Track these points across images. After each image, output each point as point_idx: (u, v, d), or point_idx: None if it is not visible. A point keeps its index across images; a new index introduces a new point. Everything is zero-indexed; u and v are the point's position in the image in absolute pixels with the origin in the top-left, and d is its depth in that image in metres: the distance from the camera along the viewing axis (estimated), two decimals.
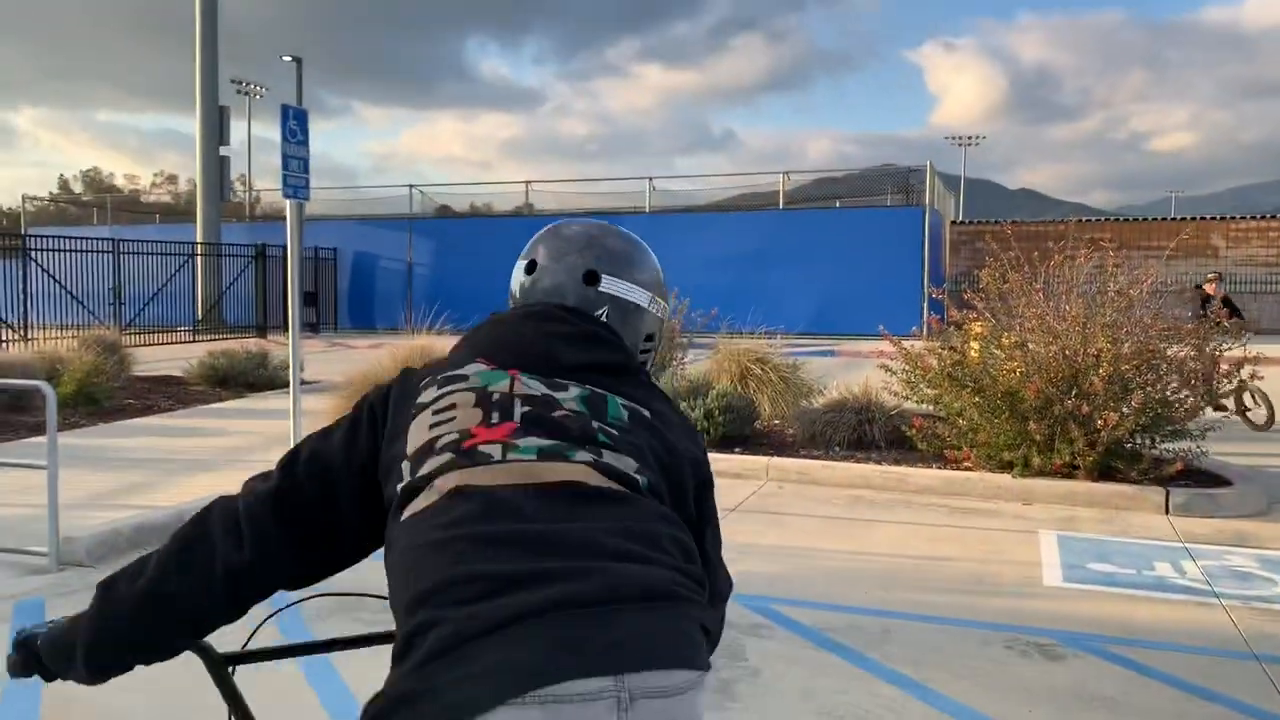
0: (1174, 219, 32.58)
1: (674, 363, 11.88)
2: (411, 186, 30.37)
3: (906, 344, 8.52)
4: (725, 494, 7.48)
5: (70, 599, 4.95)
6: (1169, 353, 7.44)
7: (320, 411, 9.46)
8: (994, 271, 8.25)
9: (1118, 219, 32.54)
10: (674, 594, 1.25)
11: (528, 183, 30.44)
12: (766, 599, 5.02)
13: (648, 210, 28.03)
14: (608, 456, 1.39)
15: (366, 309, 29.15)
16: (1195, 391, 7.42)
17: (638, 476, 1.39)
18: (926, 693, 3.89)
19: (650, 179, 28.70)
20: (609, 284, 1.67)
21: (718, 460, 8.23)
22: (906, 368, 8.33)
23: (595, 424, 1.45)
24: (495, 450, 1.38)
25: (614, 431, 1.44)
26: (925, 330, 8.88)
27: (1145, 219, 31.06)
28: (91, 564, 5.47)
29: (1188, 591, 5.28)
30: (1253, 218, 29.09)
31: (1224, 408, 9.20)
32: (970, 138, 64.70)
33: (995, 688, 3.96)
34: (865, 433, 8.74)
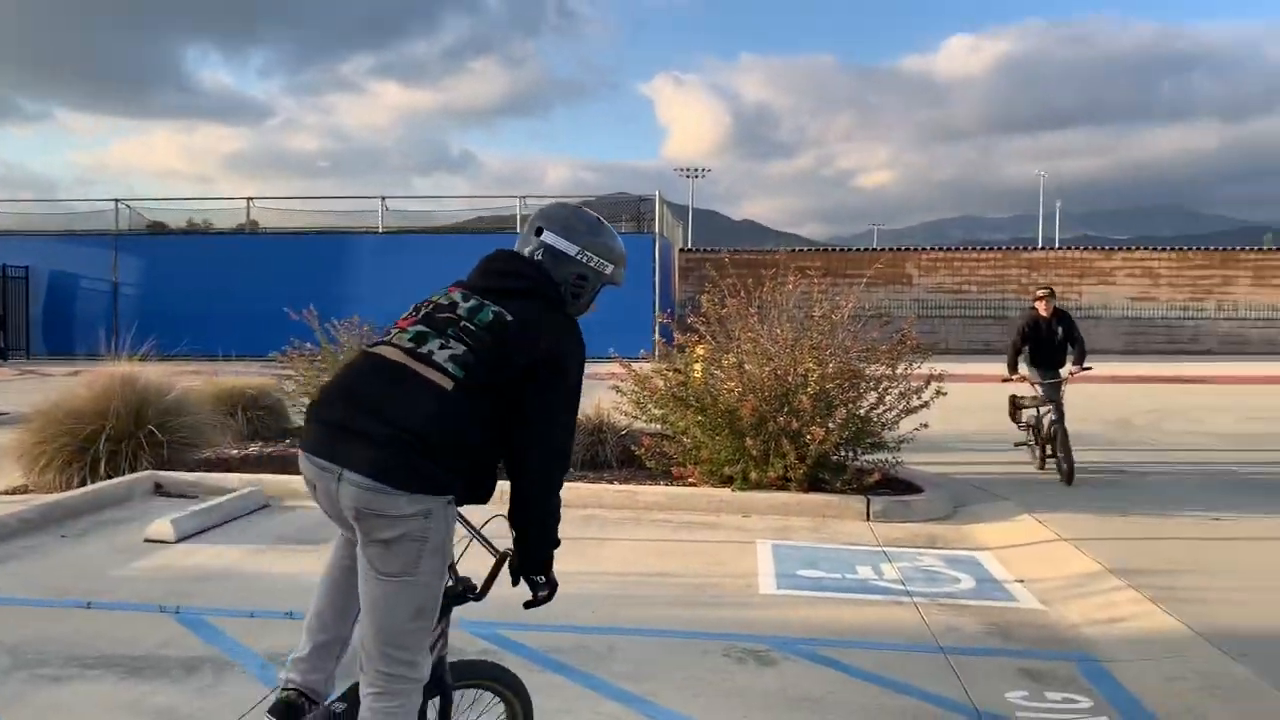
0: (875, 249, 35.60)
1: None
2: (118, 201, 28.04)
3: (635, 366, 8.78)
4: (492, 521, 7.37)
5: None
6: (867, 371, 8.09)
7: (3, 447, 8.50)
8: (713, 297, 8.67)
9: (827, 249, 35.17)
10: (381, 439, 2.45)
11: (249, 199, 28.87)
12: (494, 624, 4.97)
13: (380, 230, 27.35)
14: (437, 345, 2.56)
15: (64, 333, 26.55)
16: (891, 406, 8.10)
17: (448, 364, 2.52)
18: (647, 705, 4.00)
19: (383, 198, 28.02)
20: (546, 236, 2.80)
21: None
22: (635, 389, 8.58)
23: (462, 323, 2.60)
24: (394, 333, 2.65)
25: (471, 328, 2.59)
26: (654, 353, 9.18)
27: (850, 249, 33.78)
28: None
29: (886, 592, 5.73)
30: (941, 249, 32.36)
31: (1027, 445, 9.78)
32: (697, 170, 67.78)
33: (712, 696, 4.13)
34: (599, 453, 8.91)
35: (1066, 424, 9.07)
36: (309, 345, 11.76)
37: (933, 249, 32.18)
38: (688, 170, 66.06)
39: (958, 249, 32.61)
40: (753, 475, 7.83)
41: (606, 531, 7.16)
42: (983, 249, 32.39)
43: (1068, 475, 8.74)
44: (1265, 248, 33.75)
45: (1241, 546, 6.61)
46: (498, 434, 2.59)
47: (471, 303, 2.65)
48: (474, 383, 2.50)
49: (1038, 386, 9.58)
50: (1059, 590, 5.73)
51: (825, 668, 4.47)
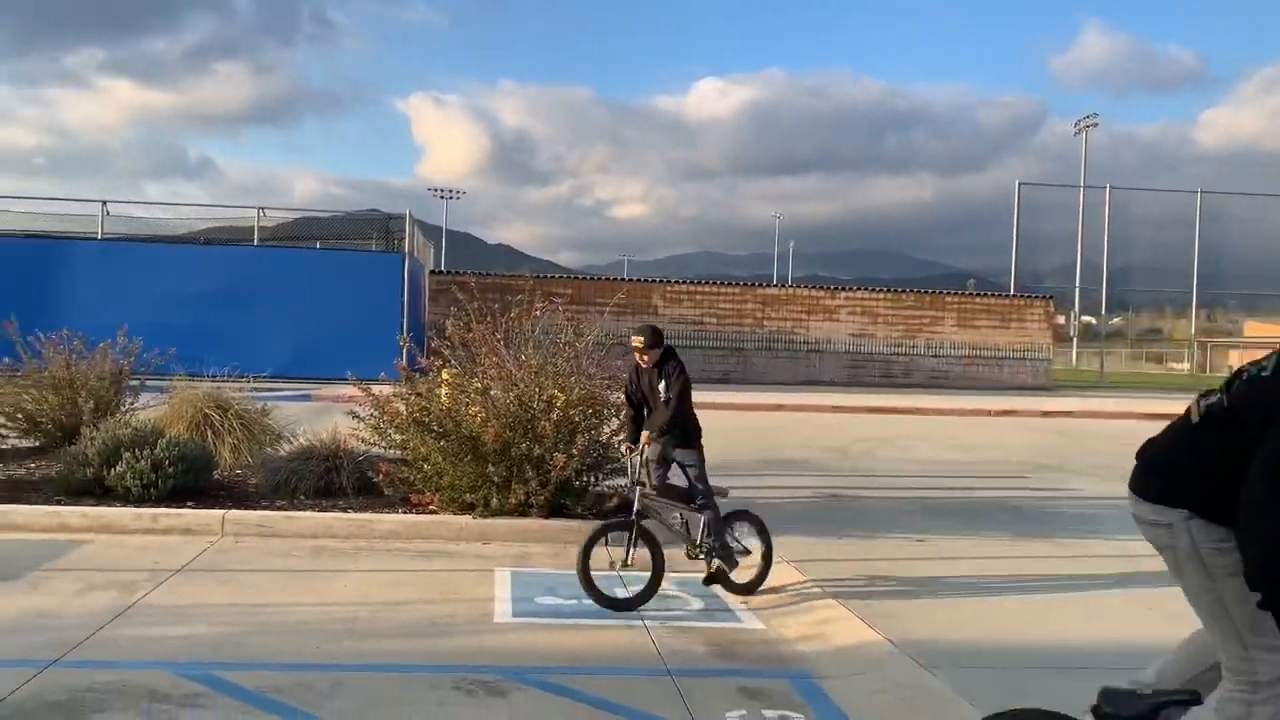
0: (624, 279, 36.51)
1: (122, 408, 10.73)
2: None
3: (375, 389, 8.52)
4: (174, 552, 6.89)
5: None
6: (611, 398, 8.25)
7: None
8: (459, 320, 8.57)
9: (578, 277, 35.74)
10: None
11: None
12: (208, 664, 4.66)
13: (100, 237, 25.18)
14: None
15: None
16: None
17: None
18: None
19: (104, 203, 25.82)
20: None
21: (167, 515, 7.54)
22: (375, 413, 8.33)
23: None
24: None
25: None
26: (399, 376, 8.95)
27: (600, 278, 34.47)
28: None
29: (618, 617, 5.83)
30: (685, 282, 33.65)
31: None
32: (452, 191, 67.16)
33: None
34: (333, 480, 8.55)
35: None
36: (8, 360, 10.64)
37: (677, 281, 33.42)
38: (442, 191, 65.40)
39: (700, 282, 34.00)
40: (494, 502, 7.78)
41: (338, 563, 6.89)
42: (723, 283, 33.93)
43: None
44: (967, 292, 37.39)
45: (941, 565, 7.24)
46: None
47: None
48: None
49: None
50: (779, 610, 6.05)
51: (556, 696, 4.48)
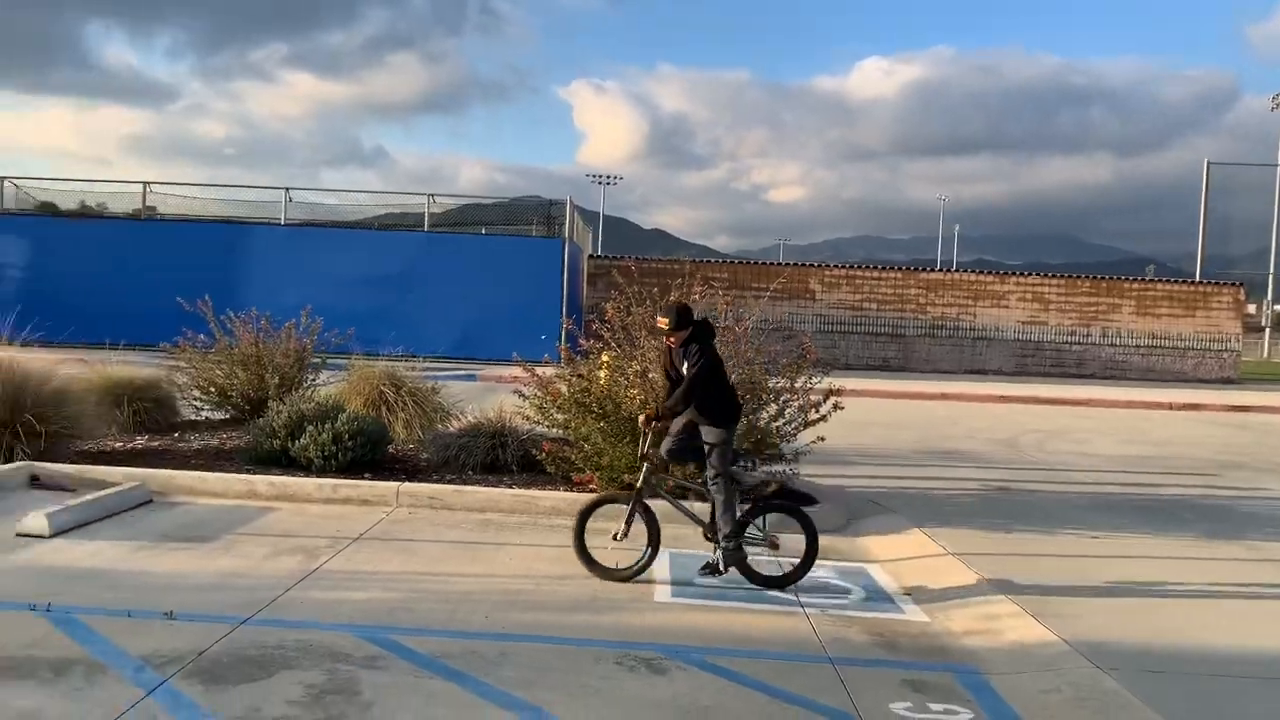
0: (780, 264, 36.13)
1: (304, 384, 11.36)
2: (4, 178, 26.75)
3: (539, 371, 8.73)
4: (353, 521, 7.25)
5: None
6: (768, 384, 8.19)
7: None
8: (619, 304, 8.68)
9: (734, 261, 35.58)
10: None
11: (146, 183, 27.83)
12: (385, 629, 4.89)
13: (284, 222, 26.66)
14: None
15: None
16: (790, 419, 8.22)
17: None
18: (538, 714, 3.97)
19: (287, 189, 27.33)
20: None
21: (345, 486, 7.95)
22: (539, 394, 8.53)
23: None
24: None
25: None
26: (559, 358, 9.13)
27: (757, 262, 34.20)
28: None
29: (778, 602, 5.81)
30: (844, 266, 33.02)
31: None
32: (610, 177, 68.00)
33: (603, 704, 4.12)
34: (499, 457, 8.82)
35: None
36: (202, 337, 11.40)
37: (836, 265, 32.82)
38: (601, 177, 66.19)
39: (860, 266, 33.31)
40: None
41: (504, 536, 7.10)
42: (884, 268, 33.13)
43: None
44: (1147, 279, 35.34)
45: (1116, 564, 6.89)
46: None
47: None
48: None
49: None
50: (944, 603, 5.89)
51: (716, 676, 4.50)
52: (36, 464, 7.98)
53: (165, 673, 4.17)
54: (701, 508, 6.40)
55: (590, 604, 5.57)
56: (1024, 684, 4.59)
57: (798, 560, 6.13)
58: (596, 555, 6.15)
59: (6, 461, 7.90)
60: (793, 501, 6.38)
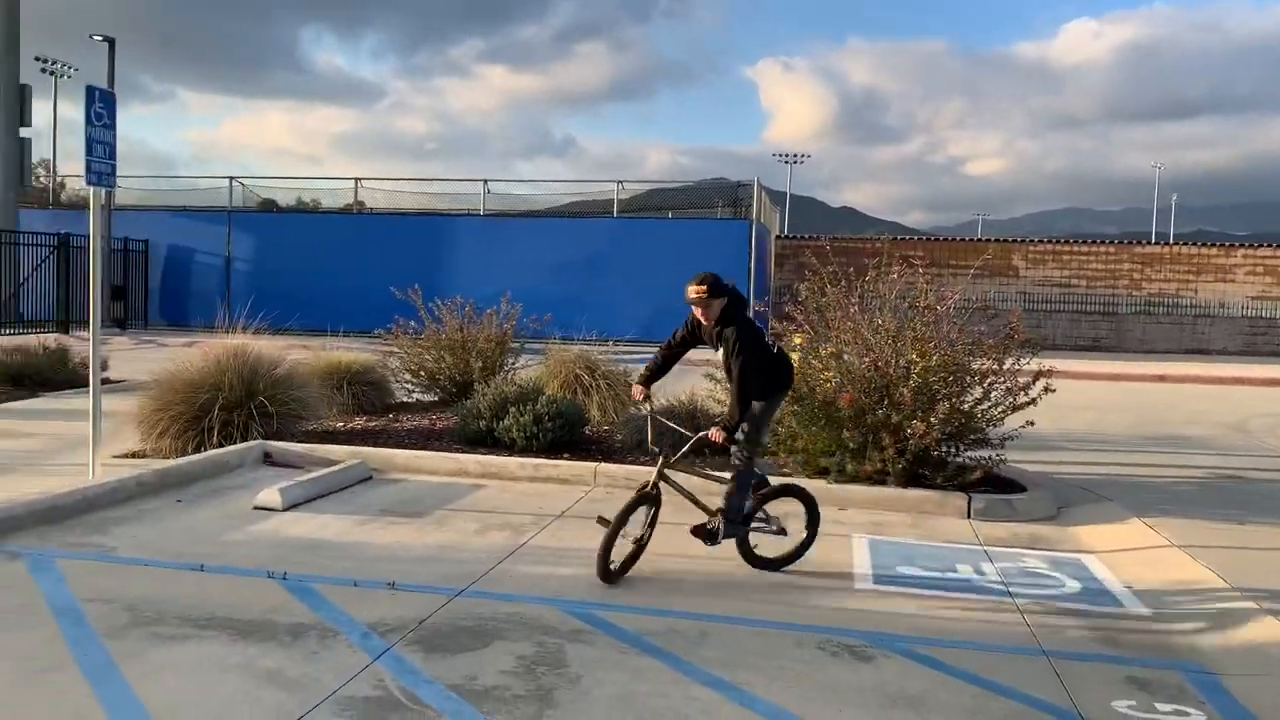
0: (980, 240, 34.65)
1: (505, 368, 11.81)
2: (232, 179, 29.02)
3: None
4: (554, 499, 7.48)
5: None
6: (973, 365, 7.88)
7: (123, 413, 8.90)
8: (813, 285, 8.55)
9: (930, 238, 34.39)
10: None
11: (357, 179, 29.56)
12: (589, 604, 5.03)
13: (482, 213, 27.72)
14: None
15: (180, 305, 27.65)
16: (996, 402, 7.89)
17: None
18: (741, 694, 3.98)
19: (485, 181, 28.39)
20: None
21: (546, 465, 8.21)
22: None
23: None
24: None
25: None
26: None
27: (955, 239, 32.95)
28: None
29: (986, 592, 5.60)
30: (1049, 241, 31.32)
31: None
32: (796, 155, 67.03)
33: (807, 688, 4.09)
34: None
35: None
36: (413, 324, 12.02)
37: (1041, 241, 31.13)
38: (787, 156, 65.37)
39: (1067, 241, 31.53)
40: (849, 468, 7.73)
41: (698, 518, 7.14)
42: (1094, 242, 31.23)
43: None
44: None
45: None
46: None
47: None
48: None
49: None
50: (1168, 597, 5.52)
51: (924, 666, 4.39)
52: (268, 442, 8.63)
53: (389, 640, 4.43)
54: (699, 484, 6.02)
55: (790, 590, 5.54)
56: (1264, 687, 4.25)
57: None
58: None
59: (243, 439, 8.58)
60: (997, 489, 6.13)
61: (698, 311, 5.60)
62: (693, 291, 5.54)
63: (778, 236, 31.40)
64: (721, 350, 5.57)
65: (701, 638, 4.63)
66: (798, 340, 8.46)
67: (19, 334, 19.41)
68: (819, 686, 4.12)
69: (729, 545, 6.39)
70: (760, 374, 5.55)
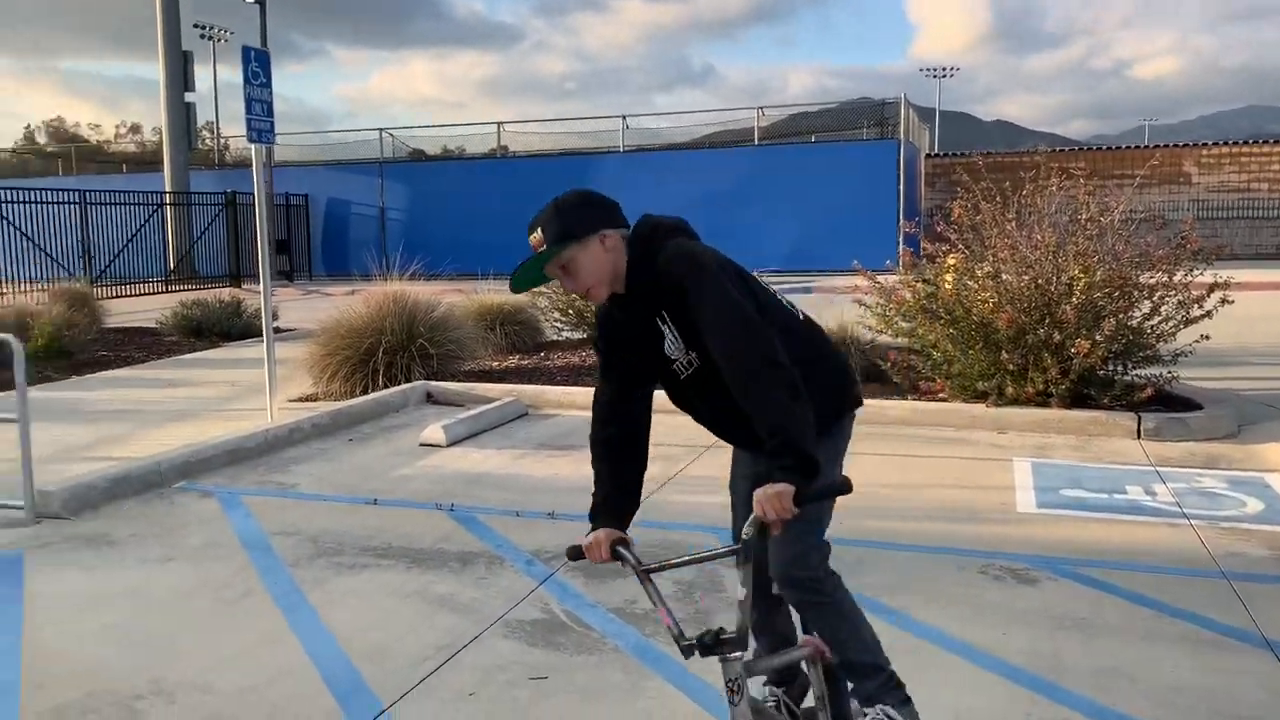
0: (1148, 147, 32.53)
1: None
2: (382, 130, 29.94)
3: (880, 278, 8.53)
4: (704, 431, 7.51)
5: (47, 551, 4.95)
6: (1141, 279, 7.47)
7: (295, 359, 9.42)
8: (966, 203, 8.24)
9: (1091, 148, 32.49)
10: None
11: (499, 124, 30.03)
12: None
13: (622, 149, 27.76)
14: None
15: (340, 256, 28.89)
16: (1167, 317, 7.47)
17: None
18: (901, 618, 3.96)
19: (624, 118, 28.37)
20: None
21: None
22: (881, 302, 8.35)
23: None
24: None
25: None
26: (899, 264, 8.87)
27: (1120, 147, 31.03)
28: (68, 516, 5.46)
29: (1158, 514, 5.37)
30: (1225, 144, 29.10)
31: None
32: (945, 69, 64.20)
33: (969, 612, 4.03)
34: None
35: None
36: None
37: (1215, 144, 28.98)
38: (935, 70, 62.70)
39: (1246, 143, 29.25)
40: (1009, 390, 7.49)
41: (852, 446, 7.06)
42: (1276, 142, 28.86)
43: None
44: None
45: None
46: None
47: None
48: None
49: None
50: None
51: (1091, 589, 4.26)
52: (430, 383, 8.99)
53: (552, 566, 4.60)
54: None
55: (948, 514, 5.44)
56: None
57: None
58: None
59: (406, 381, 8.96)
60: (1169, 408, 5.79)
61: (572, 285, 2.52)
62: (535, 242, 2.50)
63: (927, 155, 30.27)
64: (670, 342, 2.50)
65: (859, 563, 4.61)
66: (950, 261, 8.20)
67: (196, 289, 20.72)
68: (980, 609, 4.05)
69: (880, 470, 6.32)
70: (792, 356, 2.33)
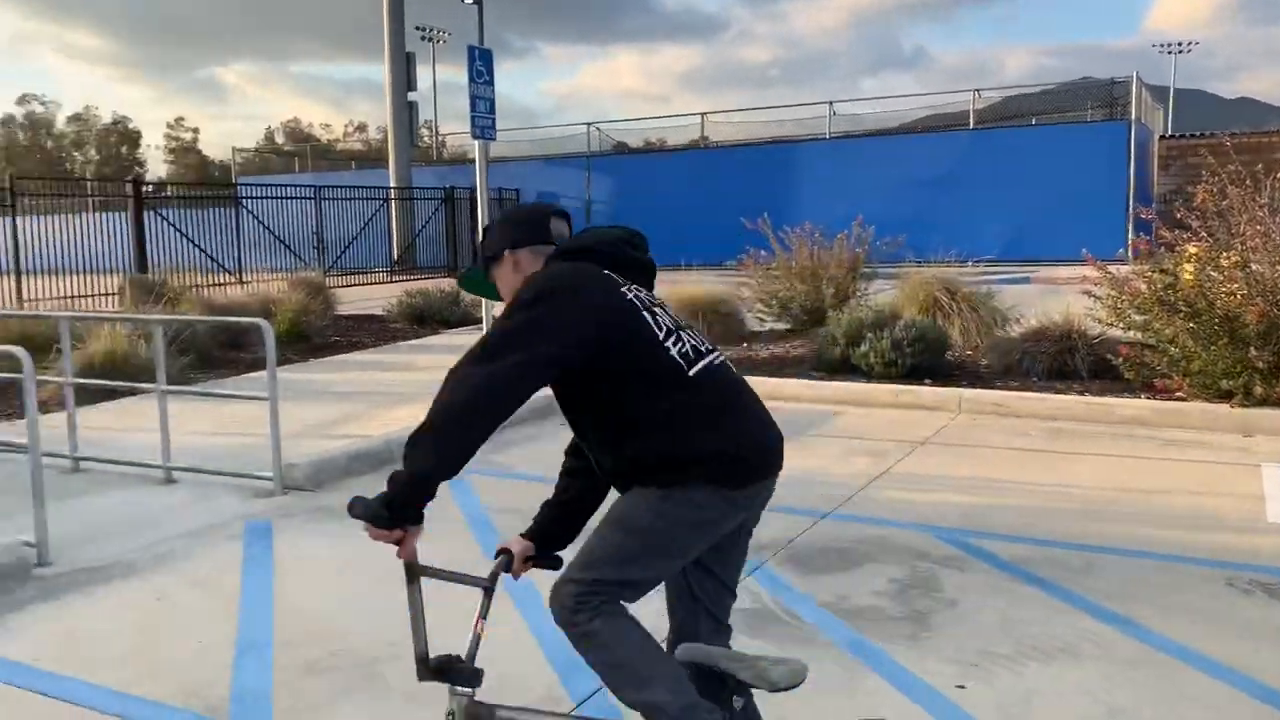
0: None
1: (858, 293, 11.65)
2: (589, 124, 30.70)
3: (1111, 268, 8.02)
4: (916, 426, 7.33)
5: (293, 520, 5.37)
6: None
7: None
8: (1211, 187, 7.62)
9: None
10: None
11: (703, 114, 30.15)
12: (962, 531, 4.90)
13: (828, 136, 27.31)
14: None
15: None
16: None
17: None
18: (1136, 628, 3.72)
19: (831, 103, 27.89)
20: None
21: (906, 391, 8.05)
22: (1112, 293, 7.85)
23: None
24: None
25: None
26: (1131, 253, 8.30)
27: None
28: (311, 488, 5.90)
29: None
30: None
31: None
32: (1182, 44, 59.53)
33: (1214, 626, 3.74)
34: (1066, 362, 8.32)
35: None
36: (763, 252, 12.16)
37: None
38: (1170, 46, 58.30)
39: None
40: (1258, 390, 6.88)
41: (1076, 445, 6.71)
42: None
43: None
44: None
45: None
46: None
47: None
48: None
49: None
50: None
51: None
52: None
53: (762, 558, 4.58)
54: None
55: (1187, 521, 5.06)
56: None
57: None
58: None
59: None
60: None
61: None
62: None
63: (1161, 137, 28.18)
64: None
65: (1087, 568, 4.37)
66: (1192, 250, 7.61)
67: (418, 279, 21.91)
68: (1227, 623, 3.75)
69: (1110, 472, 5.98)
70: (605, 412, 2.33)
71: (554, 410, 7.13)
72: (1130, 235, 8.66)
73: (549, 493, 2.68)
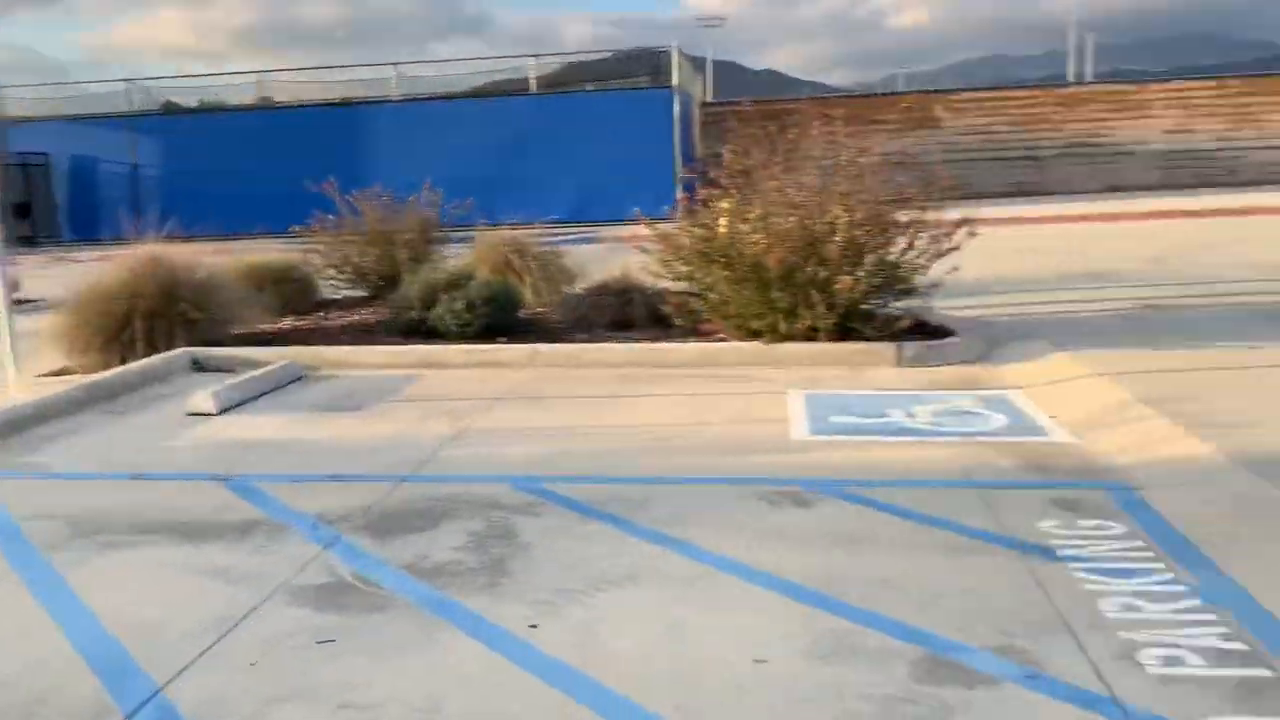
0: (900, 94, 34.48)
1: (432, 257, 11.63)
2: (128, 81, 27.65)
3: (661, 225, 8.69)
4: (493, 383, 7.50)
5: None
6: (897, 217, 7.95)
7: (45, 331, 8.64)
8: (736, 148, 8.49)
9: (853, 95, 34.15)
10: None
11: (259, 73, 28.36)
12: (537, 479, 5.10)
13: (395, 99, 26.85)
14: None
15: (90, 218, 26.62)
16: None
17: None
18: (687, 547, 4.11)
19: (395, 64, 27.42)
20: None
21: (482, 350, 8.20)
22: (660, 248, 8.52)
23: None
24: None
25: None
26: (678, 210, 9.06)
27: (877, 94, 32.76)
28: None
29: (917, 433, 5.79)
30: (970, 89, 31.32)
31: None
32: (714, 19, 65.51)
33: (751, 536, 4.23)
34: (627, 314, 8.92)
35: None
36: (331, 218, 11.73)
37: (961, 90, 31.16)
38: (706, 20, 63.91)
39: (987, 88, 31.56)
40: (782, 327, 7.83)
41: (639, 389, 7.24)
42: (1013, 87, 31.30)
43: None
44: None
45: (1277, 374, 6.58)
46: None
47: None
48: None
49: None
50: (1092, 424, 5.76)
51: (860, 506, 4.55)
52: (195, 349, 8.47)
53: (339, 529, 4.47)
54: None
55: (729, 447, 5.66)
56: (1180, 498, 4.48)
57: None
58: None
59: (168, 348, 8.40)
60: (927, 336, 6.28)
61: None
62: None
63: (702, 104, 30.92)
64: None
65: (647, 500, 4.73)
66: (725, 205, 8.44)
67: None
68: (761, 534, 4.26)
69: (667, 409, 6.51)
70: None
71: (94, 401, 6.46)
72: (679, 194, 9.40)
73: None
